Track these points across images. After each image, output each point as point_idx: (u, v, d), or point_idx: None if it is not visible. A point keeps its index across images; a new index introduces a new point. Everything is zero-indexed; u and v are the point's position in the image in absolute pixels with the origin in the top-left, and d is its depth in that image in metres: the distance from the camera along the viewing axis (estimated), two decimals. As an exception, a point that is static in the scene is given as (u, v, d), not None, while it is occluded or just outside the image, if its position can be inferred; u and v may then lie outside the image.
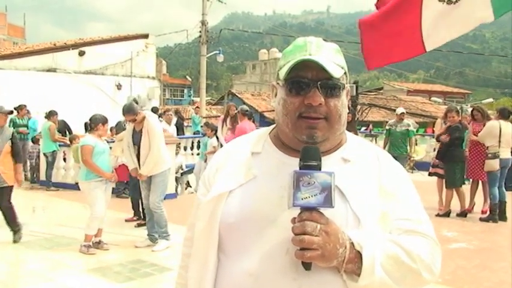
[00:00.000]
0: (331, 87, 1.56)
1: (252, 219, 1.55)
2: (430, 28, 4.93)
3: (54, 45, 26.00)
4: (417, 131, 24.61)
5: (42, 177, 14.26)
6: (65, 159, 14.49)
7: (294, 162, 1.49)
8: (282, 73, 1.59)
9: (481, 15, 4.82)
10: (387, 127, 13.54)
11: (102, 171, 7.39)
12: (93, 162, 7.35)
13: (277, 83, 1.67)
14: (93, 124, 7.64)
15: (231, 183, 1.63)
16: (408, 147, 12.98)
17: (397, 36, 5.10)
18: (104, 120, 7.73)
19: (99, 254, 7.21)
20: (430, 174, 11.21)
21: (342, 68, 1.61)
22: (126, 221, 9.09)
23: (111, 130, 15.24)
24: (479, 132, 10.10)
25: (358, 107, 23.56)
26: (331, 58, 1.59)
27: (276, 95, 1.69)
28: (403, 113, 13.48)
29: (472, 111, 11.22)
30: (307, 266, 1.42)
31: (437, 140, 10.68)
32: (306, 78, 1.55)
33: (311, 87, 1.54)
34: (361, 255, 1.43)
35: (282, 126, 1.64)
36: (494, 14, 4.76)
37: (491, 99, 45.11)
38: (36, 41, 36.28)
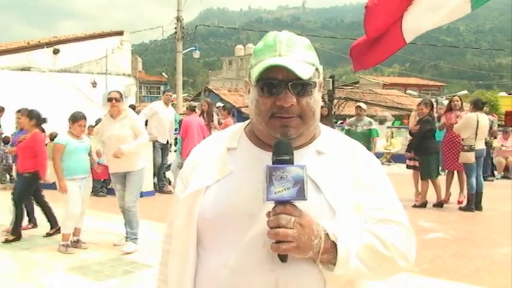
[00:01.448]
0: (302, 85, 1.57)
1: (228, 213, 1.57)
2: (409, 19, 4.98)
3: (28, 43, 25.70)
4: (393, 124, 24.83)
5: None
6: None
7: (269, 157, 1.51)
8: (253, 74, 1.60)
9: (460, 8, 4.89)
10: (346, 127, 12.30)
11: (60, 177, 7.21)
12: (59, 163, 7.23)
13: (249, 81, 1.68)
14: (68, 122, 7.55)
15: (208, 179, 1.65)
16: (372, 148, 11.50)
17: (381, 34, 5.15)
18: (76, 118, 7.46)
19: (78, 253, 7.17)
20: (408, 167, 11.35)
21: (313, 64, 1.62)
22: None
23: (88, 129, 15.07)
24: (454, 123, 10.22)
25: (335, 101, 23.70)
26: (302, 57, 1.60)
27: (249, 91, 1.69)
28: (358, 106, 12.39)
29: (452, 100, 11.23)
30: (283, 258, 1.45)
31: (411, 134, 10.82)
32: (276, 80, 1.56)
33: (282, 88, 1.55)
34: (336, 245, 1.46)
35: (256, 124, 1.66)
36: (472, 6, 4.83)
37: (465, 91, 45.58)
38: (9, 40, 35.86)
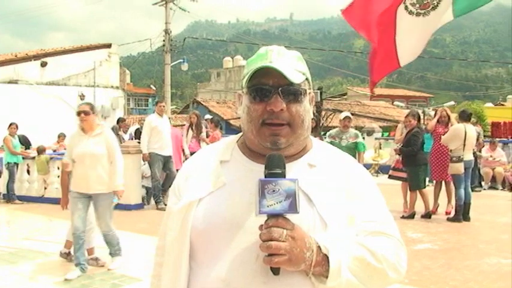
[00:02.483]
0: (292, 93, 1.61)
1: (222, 226, 1.58)
2: (403, 43, 5.07)
3: (16, 56, 25.63)
4: (382, 135, 24.92)
5: (4, 190, 13.97)
6: (28, 172, 14.26)
7: (261, 169, 1.52)
8: (245, 81, 1.65)
9: (443, 18, 4.98)
10: (328, 139, 10.48)
11: (64, 192, 6.97)
12: (66, 177, 6.95)
13: (242, 92, 1.71)
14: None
15: (201, 191, 1.66)
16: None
17: (378, 55, 5.24)
18: None
19: (66, 267, 7.11)
20: (389, 177, 11.38)
21: (304, 74, 1.66)
22: None
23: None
24: (443, 134, 10.29)
25: (323, 112, 23.78)
26: (292, 65, 1.64)
27: (241, 103, 1.73)
28: (347, 117, 10.57)
29: (439, 111, 11.26)
30: (275, 270, 1.46)
31: (402, 147, 10.78)
32: (267, 85, 1.60)
33: (272, 93, 1.59)
34: (328, 258, 1.47)
35: (248, 133, 1.69)
36: (453, 13, 4.92)
37: (452, 102, 45.96)
38: (-4, 53, 35.68)
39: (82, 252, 6.68)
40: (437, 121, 10.87)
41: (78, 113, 6.64)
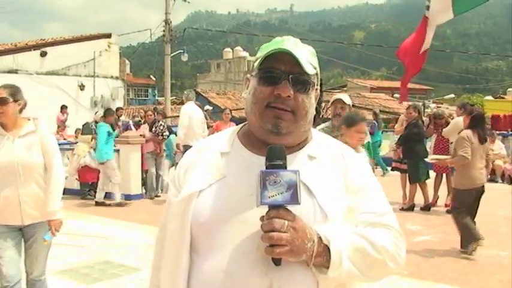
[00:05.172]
0: (301, 82, 1.62)
1: (222, 217, 1.58)
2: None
3: (15, 46, 25.59)
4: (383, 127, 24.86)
5: None
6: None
7: (261, 161, 1.53)
8: (257, 62, 1.65)
9: (444, 14, 5.12)
10: None
11: None
12: None
13: (251, 75, 1.71)
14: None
15: (201, 183, 1.65)
16: None
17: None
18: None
19: (67, 256, 7.12)
20: (392, 169, 11.45)
21: (315, 68, 1.68)
22: None
23: (76, 132, 15.03)
24: (444, 126, 10.32)
25: (323, 104, 23.77)
26: (307, 57, 1.65)
27: (248, 87, 1.73)
28: (339, 100, 6.31)
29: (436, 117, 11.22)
30: (277, 261, 1.47)
31: (400, 138, 10.82)
32: (278, 70, 1.61)
33: (282, 78, 1.60)
34: (329, 248, 1.48)
35: (250, 115, 1.69)
36: (454, 12, 5.01)
37: (452, 95, 45.90)
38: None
39: None
40: (434, 123, 10.86)
41: None
